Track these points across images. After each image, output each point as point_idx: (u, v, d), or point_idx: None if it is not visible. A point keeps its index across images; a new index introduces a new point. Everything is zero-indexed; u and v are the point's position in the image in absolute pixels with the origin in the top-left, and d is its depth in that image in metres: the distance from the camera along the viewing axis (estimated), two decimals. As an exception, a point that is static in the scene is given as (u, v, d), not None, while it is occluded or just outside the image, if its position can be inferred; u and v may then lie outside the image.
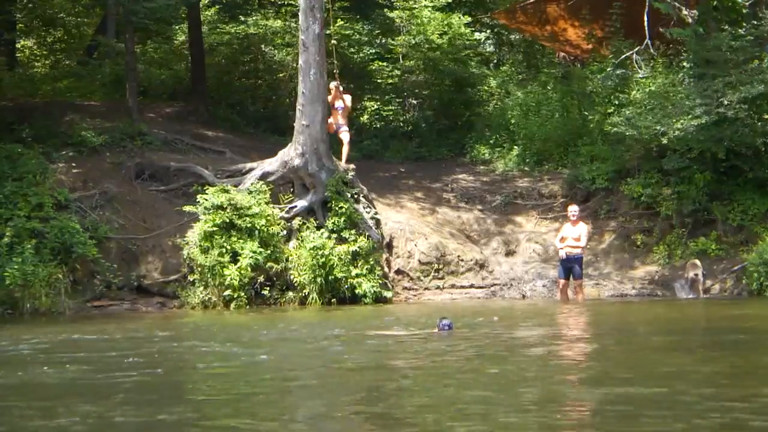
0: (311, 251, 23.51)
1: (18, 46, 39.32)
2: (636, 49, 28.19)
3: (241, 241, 23.44)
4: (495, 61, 41.23)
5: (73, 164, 25.84)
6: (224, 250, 23.28)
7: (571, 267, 22.95)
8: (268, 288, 23.61)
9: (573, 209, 23.56)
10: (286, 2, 34.17)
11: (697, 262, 24.39)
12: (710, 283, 24.34)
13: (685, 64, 27.42)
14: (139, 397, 10.99)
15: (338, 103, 26.25)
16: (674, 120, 24.46)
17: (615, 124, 26.31)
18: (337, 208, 24.42)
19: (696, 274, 24.11)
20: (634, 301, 23.77)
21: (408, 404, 10.44)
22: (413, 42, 34.37)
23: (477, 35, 38.26)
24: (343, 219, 24.30)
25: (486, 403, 10.18)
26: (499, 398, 10.45)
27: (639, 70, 28.27)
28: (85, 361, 13.87)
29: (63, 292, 22.42)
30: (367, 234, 24.36)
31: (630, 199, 26.79)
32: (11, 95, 32.53)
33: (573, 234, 23.07)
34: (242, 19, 34.50)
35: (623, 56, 28.64)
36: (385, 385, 11.65)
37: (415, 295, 25.00)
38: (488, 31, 41.06)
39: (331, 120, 25.90)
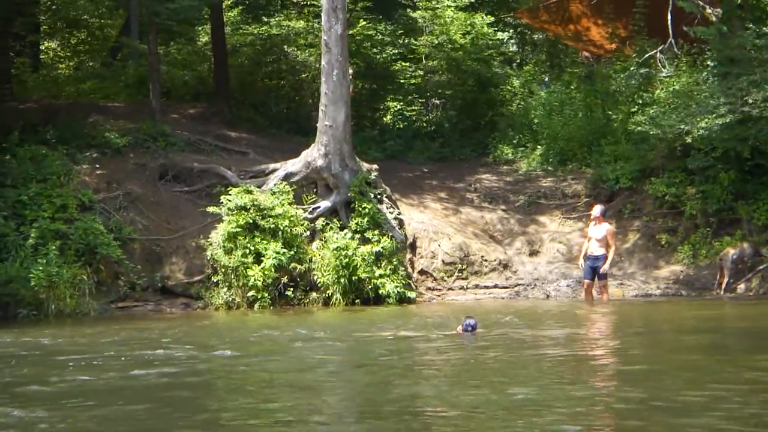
0: (334, 252, 23.51)
1: (42, 47, 39.50)
2: (660, 47, 28.03)
3: (265, 241, 23.47)
4: (518, 60, 41.17)
5: (97, 165, 25.90)
6: (248, 251, 23.30)
7: (595, 267, 22.85)
8: (291, 288, 23.61)
9: (595, 210, 23.42)
10: (308, 3, 34.26)
11: (731, 250, 24.23)
12: (733, 282, 24.20)
13: (709, 62, 27.27)
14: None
15: None
16: (698, 119, 24.34)
17: (639, 123, 26.23)
18: (360, 209, 24.41)
19: (722, 260, 24.03)
20: (659, 300, 23.65)
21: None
22: (436, 42, 34.40)
23: (500, 35, 38.19)
24: (366, 219, 24.29)
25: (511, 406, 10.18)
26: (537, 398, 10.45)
27: (663, 69, 28.11)
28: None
29: (87, 293, 22.47)
30: (390, 234, 24.34)
31: (654, 198, 26.68)
32: (35, 97, 32.68)
33: (596, 234, 22.95)
34: (265, 19, 34.60)
35: (647, 55, 28.50)
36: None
37: (438, 296, 24.96)
38: (511, 30, 41.04)
39: None
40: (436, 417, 9.90)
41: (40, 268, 21.76)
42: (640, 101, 29.05)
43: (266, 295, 23.09)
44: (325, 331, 18.14)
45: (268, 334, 18.04)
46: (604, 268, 22.73)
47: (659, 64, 28.05)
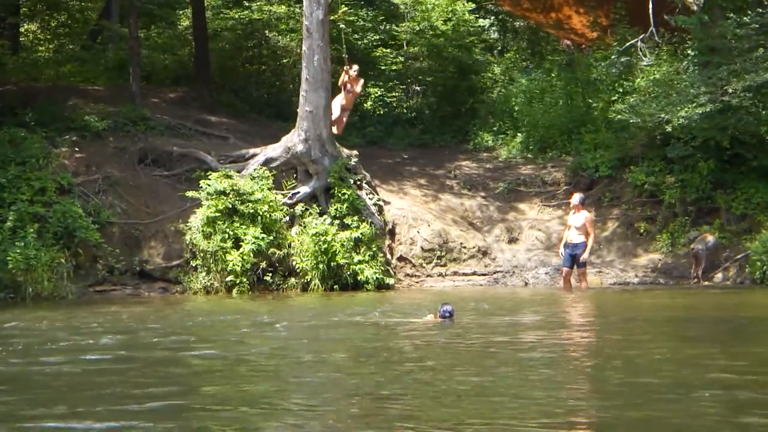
0: (314, 237, 23.50)
1: (22, 30, 39.27)
2: (641, 36, 28.10)
3: (244, 226, 23.43)
4: (499, 47, 41.18)
5: (77, 149, 25.82)
6: (227, 236, 23.27)
7: (574, 255, 22.89)
8: (270, 274, 23.60)
9: (574, 198, 23.43)
10: (290, -12, 34.15)
11: (709, 237, 24.35)
12: (712, 271, 24.30)
13: (689, 51, 27.34)
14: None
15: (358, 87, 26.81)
16: (678, 108, 24.40)
17: (619, 111, 26.29)
18: (339, 195, 24.41)
19: (698, 249, 24.14)
20: (637, 289, 23.72)
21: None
22: (417, 28, 34.36)
23: (481, 21, 38.23)
24: (345, 205, 24.28)
25: (484, 393, 10.19)
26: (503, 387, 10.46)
27: (643, 58, 28.19)
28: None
29: (65, 277, 22.42)
30: (369, 220, 24.34)
31: (633, 186, 26.75)
32: (15, 79, 32.51)
33: (576, 223, 23.01)
34: (246, 4, 34.46)
35: (628, 44, 28.56)
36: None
37: (417, 282, 24.98)
38: (492, 17, 41.03)
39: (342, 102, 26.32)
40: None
41: (18, 250, 21.67)
42: (621, 90, 29.13)
43: (245, 280, 23.07)
44: (274, 318, 17.98)
45: (218, 320, 17.88)
46: (584, 256, 22.80)
47: (640, 53, 28.13)
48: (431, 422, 8.82)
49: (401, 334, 15.32)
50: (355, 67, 26.38)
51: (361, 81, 26.93)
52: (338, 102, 26.08)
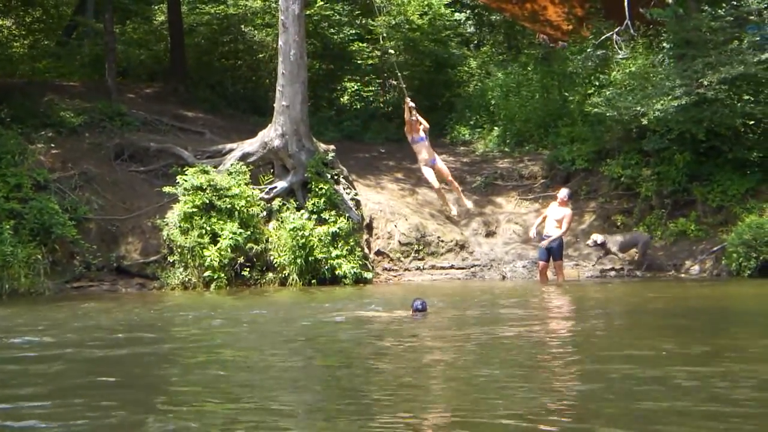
0: (291, 232, 23.49)
1: (-4, 26, 39.09)
2: (616, 29, 28.18)
3: (221, 222, 23.41)
4: (475, 41, 41.22)
5: (52, 145, 25.72)
6: (204, 231, 23.25)
7: (550, 248, 22.92)
8: (248, 269, 23.58)
9: (562, 192, 23.39)
10: (265, -18, 34.10)
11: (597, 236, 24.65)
12: (689, 264, 24.40)
13: (665, 44, 27.44)
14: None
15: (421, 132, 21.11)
16: (654, 101, 24.46)
17: (595, 104, 26.33)
18: (317, 189, 24.40)
19: (604, 240, 24.38)
20: (614, 281, 23.78)
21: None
22: (393, 22, 34.34)
23: (457, 15, 38.26)
24: (323, 200, 24.28)
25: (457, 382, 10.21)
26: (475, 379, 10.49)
27: (619, 51, 28.27)
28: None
29: (42, 273, 22.31)
30: (347, 215, 24.35)
31: (610, 179, 26.85)
32: (-11, 75, 32.39)
33: (556, 215, 22.99)
34: (222, -1, 34.40)
35: (603, 37, 28.63)
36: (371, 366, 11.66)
37: (395, 276, 24.99)
38: (468, 11, 41.03)
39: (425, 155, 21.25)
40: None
41: (-6, 247, 21.62)
42: (597, 83, 29.20)
43: (222, 275, 23.05)
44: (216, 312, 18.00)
45: (181, 315, 17.83)
46: (543, 243, 22.77)
47: (616, 46, 28.19)
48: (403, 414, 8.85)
49: (373, 329, 15.30)
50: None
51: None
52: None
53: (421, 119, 20.95)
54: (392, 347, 13.26)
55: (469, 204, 23.69)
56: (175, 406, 9.45)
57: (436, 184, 21.52)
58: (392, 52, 29.70)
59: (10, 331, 15.27)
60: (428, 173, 21.28)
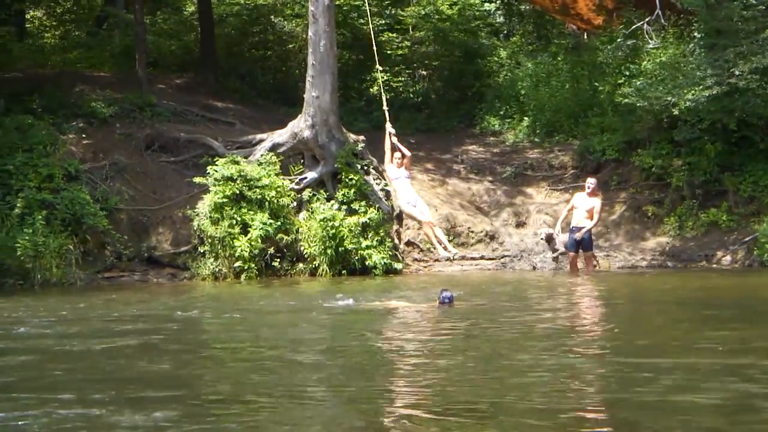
0: (321, 223, 23.53)
1: (28, 16, 39.27)
2: (647, 19, 28.06)
3: (251, 212, 23.47)
4: (505, 31, 41.08)
5: (84, 135, 25.86)
6: (234, 222, 23.31)
7: (580, 239, 22.84)
8: (278, 259, 23.65)
9: (591, 181, 23.34)
10: (295, -27, 34.11)
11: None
12: (720, 254, 24.29)
13: (696, 34, 27.24)
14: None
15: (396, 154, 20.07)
16: (685, 91, 24.35)
17: (625, 95, 26.21)
18: (347, 180, 24.43)
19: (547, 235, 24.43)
20: (645, 272, 23.68)
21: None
22: (423, 13, 34.29)
23: (487, 5, 38.14)
24: (353, 190, 24.31)
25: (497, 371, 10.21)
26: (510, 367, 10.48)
27: (649, 41, 28.14)
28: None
29: (74, 263, 22.48)
30: (377, 205, 24.37)
31: (641, 170, 26.73)
32: (21, 66, 32.53)
33: (586, 206, 22.88)
34: (252, -11, 34.43)
35: (633, 26, 28.51)
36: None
37: (425, 267, 24.99)
38: (498, 1, 40.87)
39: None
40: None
41: (27, 237, 21.73)
42: (627, 73, 29.02)
43: (253, 265, 23.12)
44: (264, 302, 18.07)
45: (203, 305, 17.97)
46: (578, 234, 22.68)
47: (646, 36, 28.06)
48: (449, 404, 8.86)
49: (401, 319, 15.32)
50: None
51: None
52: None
53: (403, 149, 19.81)
54: (422, 338, 13.28)
55: (452, 251, 20.34)
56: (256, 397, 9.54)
57: (425, 217, 19.96)
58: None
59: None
60: (413, 211, 19.92)
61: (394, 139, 19.65)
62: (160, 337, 13.52)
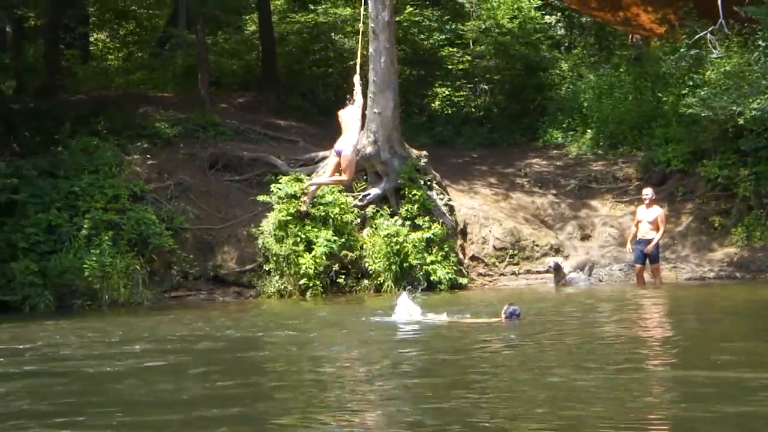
0: (385, 239, 23.52)
1: (91, 39, 39.76)
2: (710, 28, 27.82)
3: (316, 229, 23.51)
4: (566, 44, 40.93)
5: (148, 156, 26.10)
6: (299, 239, 23.36)
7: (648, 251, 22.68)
8: (343, 276, 23.66)
9: (646, 192, 23.24)
10: (355, -10, 34.21)
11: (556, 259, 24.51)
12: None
13: (760, 42, 26.95)
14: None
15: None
16: (750, 100, 24.13)
17: (690, 105, 26.00)
18: (410, 195, 24.41)
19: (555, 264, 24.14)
20: (713, 283, 23.44)
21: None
22: (483, 26, 34.28)
23: (547, 18, 38.02)
24: (416, 206, 24.29)
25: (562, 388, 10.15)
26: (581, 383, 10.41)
27: (713, 50, 27.89)
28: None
29: (141, 283, 22.63)
30: (440, 221, 24.32)
31: (706, 180, 26.46)
32: (86, 88, 32.92)
33: (648, 217, 22.78)
34: (312, 7, 34.56)
35: (697, 36, 28.27)
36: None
37: (490, 281, 24.91)
38: (559, 13, 40.73)
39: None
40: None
41: (94, 258, 21.96)
42: (691, 83, 28.77)
43: (318, 282, 23.14)
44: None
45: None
46: (648, 248, 22.54)
47: (709, 45, 27.82)
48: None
49: (472, 336, 15.26)
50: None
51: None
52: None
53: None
54: (491, 354, 13.23)
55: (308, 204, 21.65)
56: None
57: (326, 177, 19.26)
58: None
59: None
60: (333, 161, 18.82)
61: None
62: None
